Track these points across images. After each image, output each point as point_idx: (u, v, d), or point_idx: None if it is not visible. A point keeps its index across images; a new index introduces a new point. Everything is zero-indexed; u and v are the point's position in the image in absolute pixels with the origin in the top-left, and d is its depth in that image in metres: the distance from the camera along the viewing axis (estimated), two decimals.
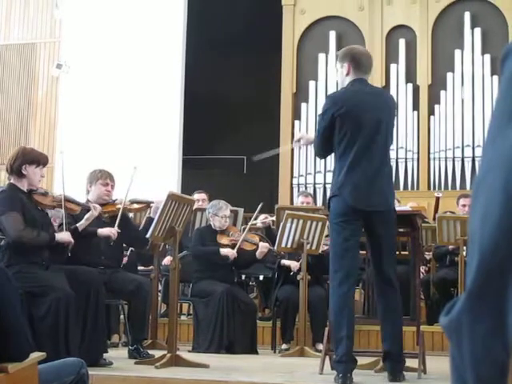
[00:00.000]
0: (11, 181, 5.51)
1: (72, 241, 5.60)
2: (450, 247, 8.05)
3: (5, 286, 2.77)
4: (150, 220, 6.25)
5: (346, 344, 4.90)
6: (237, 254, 7.50)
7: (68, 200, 5.81)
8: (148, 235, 5.72)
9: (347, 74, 5.16)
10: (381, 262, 5.10)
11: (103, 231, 6.01)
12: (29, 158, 5.47)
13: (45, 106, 12.81)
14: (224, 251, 7.45)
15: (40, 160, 5.54)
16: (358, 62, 5.14)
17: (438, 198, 9.15)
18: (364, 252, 5.75)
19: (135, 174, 6.29)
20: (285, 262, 7.70)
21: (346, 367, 4.88)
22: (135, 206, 6.41)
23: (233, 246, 7.53)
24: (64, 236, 5.57)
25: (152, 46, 11.88)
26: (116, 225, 6.06)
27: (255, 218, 8.17)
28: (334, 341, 5.01)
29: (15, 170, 5.46)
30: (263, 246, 7.57)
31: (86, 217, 5.91)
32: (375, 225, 5.06)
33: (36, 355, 2.94)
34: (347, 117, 5.01)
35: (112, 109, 11.76)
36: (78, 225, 5.87)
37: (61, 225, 5.83)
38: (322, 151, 5.31)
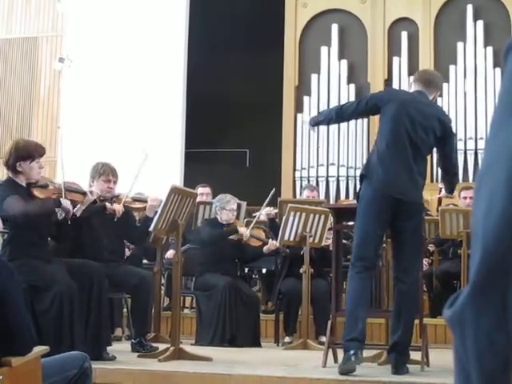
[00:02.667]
0: (9, 175, 5.43)
1: (71, 210, 5.54)
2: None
3: (7, 280, 2.77)
4: (147, 217, 6.25)
5: (362, 324, 5.01)
6: (243, 249, 7.54)
7: (70, 189, 5.74)
8: (151, 228, 5.73)
9: (410, 86, 5.69)
10: (404, 257, 5.17)
11: (111, 206, 6.03)
12: (22, 154, 5.34)
13: (47, 99, 12.80)
14: (241, 230, 7.49)
15: (34, 154, 5.39)
16: (417, 76, 5.59)
17: (441, 190, 9.11)
18: None
19: (146, 160, 6.27)
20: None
21: (359, 345, 4.96)
22: (137, 204, 6.36)
23: (239, 241, 7.55)
24: (67, 202, 5.49)
25: (154, 38, 11.86)
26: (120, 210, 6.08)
27: (266, 205, 8.10)
28: (349, 321, 5.05)
29: (11, 166, 5.37)
30: (272, 244, 7.59)
31: (82, 201, 5.86)
32: (400, 216, 5.13)
33: (39, 349, 2.95)
34: (390, 112, 5.26)
35: (114, 103, 11.74)
36: (74, 210, 5.81)
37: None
38: (344, 111, 5.48)
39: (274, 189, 7.96)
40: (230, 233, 7.53)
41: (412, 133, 5.18)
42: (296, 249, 7.50)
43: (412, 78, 5.71)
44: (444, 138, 5.36)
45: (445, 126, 5.38)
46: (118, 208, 6.05)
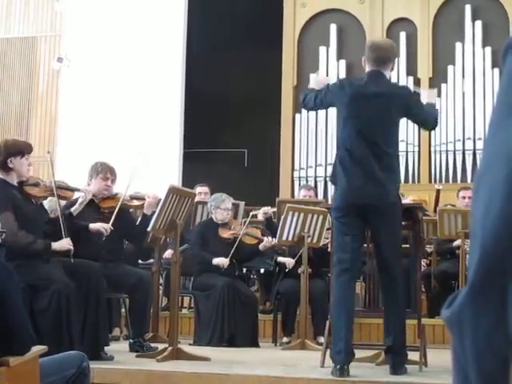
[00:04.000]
0: (0, 176, 5.44)
1: (72, 248, 5.54)
2: (455, 244, 8.03)
3: (6, 280, 2.77)
4: (145, 216, 6.23)
5: (345, 335, 4.95)
6: (238, 248, 7.50)
7: (60, 187, 5.74)
8: (149, 228, 5.72)
9: (365, 66, 5.29)
10: (383, 258, 5.14)
11: (95, 226, 5.97)
12: (12, 151, 5.39)
13: (45, 99, 12.79)
14: (216, 261, 7.40)
15: (24, 150, 5.45)
16: (371, 55, 5.23)
17: (438, 191, 9.14)
18: (365, 245, 5.76)
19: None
20: (280, 259, 7.71)
21: (345, 358, 4.90)
22: (135, 202, 6.36)
23: (234, 239, 7.53)
24: (62, 244, 5.51)
25: (153, 38, 11.86)
26: (111, 221, 6.02)
27: (253, 216, 8.12)
28: (333, 332, 5.04)
29: (1, 164, 5.39)
30: (268, 241, 7.57)
31: (79, 201, 5.86)
32: (373, 219, 5.10)
33: (37, 349, 2.95)
34: (341, 112, 5.20)
35: (113, 102, 11.75)
36: (72, 210, 5.82)
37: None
38: (307, 102, 5.38)
39: (252, 211, 8.03)
40: (210, 261, 7.46)
41: (365, 130, 5.08)
42: (294, 249, 7.50)
43: (364, 52, 5.27)
44: (408, 112, 5.25)
45: (401, 106, 5.18)
46: (104, 227, 5.98)
